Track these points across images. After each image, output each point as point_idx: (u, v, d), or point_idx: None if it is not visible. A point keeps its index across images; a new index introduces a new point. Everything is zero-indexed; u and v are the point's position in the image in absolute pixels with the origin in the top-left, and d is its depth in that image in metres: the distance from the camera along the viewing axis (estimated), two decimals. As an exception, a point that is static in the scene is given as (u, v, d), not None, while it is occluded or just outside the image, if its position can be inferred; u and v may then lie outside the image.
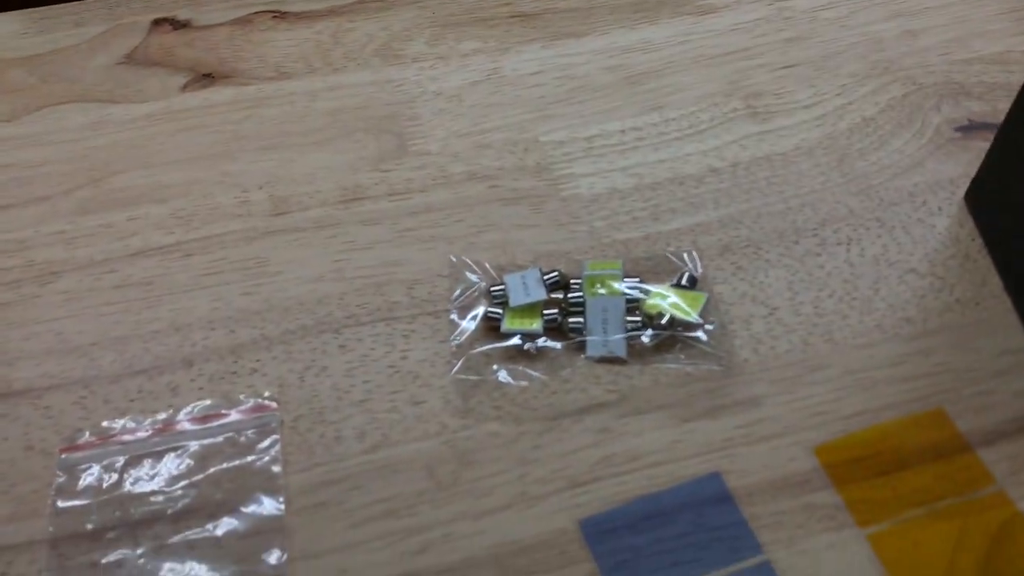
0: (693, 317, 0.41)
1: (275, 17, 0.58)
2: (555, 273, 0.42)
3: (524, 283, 0.42)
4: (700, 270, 0.43)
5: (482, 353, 0.41)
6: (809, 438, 0.38)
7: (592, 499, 0.36)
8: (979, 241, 0.45)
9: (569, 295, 0.42)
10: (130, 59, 0.56)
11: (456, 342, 0.41)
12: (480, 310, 0.42)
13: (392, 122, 0.52)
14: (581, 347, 0.41)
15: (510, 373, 0.40)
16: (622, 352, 0.40)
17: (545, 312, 0.41)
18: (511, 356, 0.41)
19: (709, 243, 0.45)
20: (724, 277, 0.44)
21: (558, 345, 0.41)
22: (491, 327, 0.41)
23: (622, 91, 0.53)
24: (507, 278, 0.42)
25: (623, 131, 0.51)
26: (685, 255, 0.44)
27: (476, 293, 0.43)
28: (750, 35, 0.56)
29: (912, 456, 0.37)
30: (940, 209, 0.47)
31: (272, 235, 0.46)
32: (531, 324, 0.41)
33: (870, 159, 0.49)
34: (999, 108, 0.51)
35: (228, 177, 0.49)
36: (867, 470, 0.37)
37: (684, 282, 0.42)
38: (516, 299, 0.41)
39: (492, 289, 0.42)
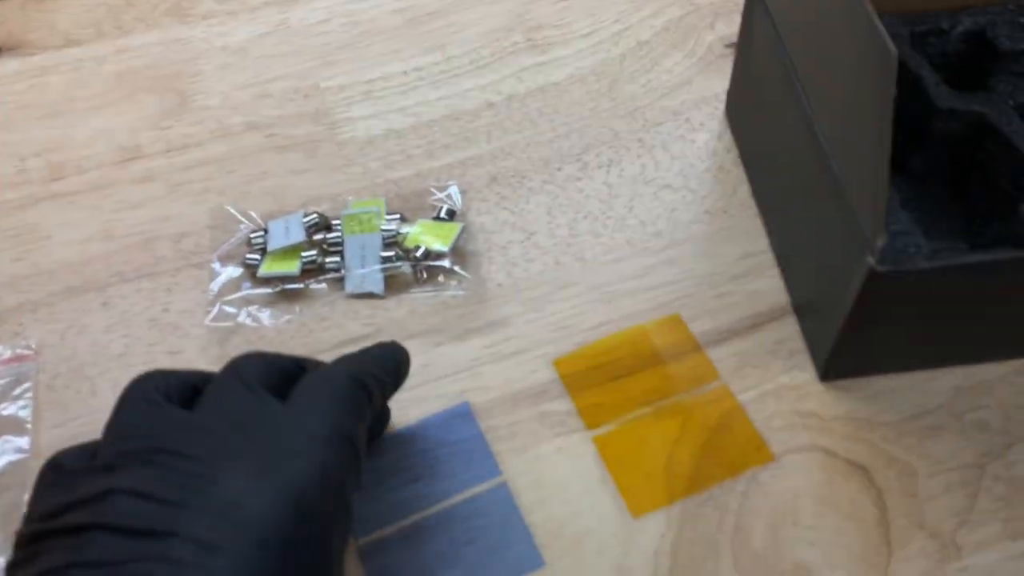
0: (445, 248, 0.42)
1: (65, -17, 0.58)
2: (314, 215, 0.43)
3: (287, 228, 0.43)
4: (460, 203, 0.44)
5: (242, 298, 0.41)
6: (550, 352, 0.40)
7: (339, 427, 0.38)
8: (735, 152, 0.47)
9: (329, 235, 0.43)
10: (-84, 37, 0.55)
11: (214, 291, 0.42)
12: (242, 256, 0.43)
13: (176, 80, 0.52)
14: (342, 286, 0.42)
15: (268, 316, 0.41)
16: (378, 287, 0.41)
17: (304, 254, 0.42)
18: (271, 300, 0.42)
19: (478, 175, 0.46)
20: (488, 207, 0.45)
21: (323, 285, 0.42)
22: (253, 273, 0.42)
23: (407, 33, 0.54)
24: (271, 224, 0.43)
25: (405, 72, 0.52)
26: (450, 189, 0.45)
27: (240, 242, 0.43)
28: (534, -32, 0.56)
29: (644, 360, 0.39)
30: (702, 124, 0.48)
31: (46, 201, 0.46)
32: (289, 267, 0.42)
33: (640, 82, 0.50)
34: (770, 23, 0.53)
35: (6, 147, 0.49)
36: (600, 377, 0.39)
37: (443, 215, 0.44)
38: (275, 243, 0.42)
39: (252, 236, 0.43)
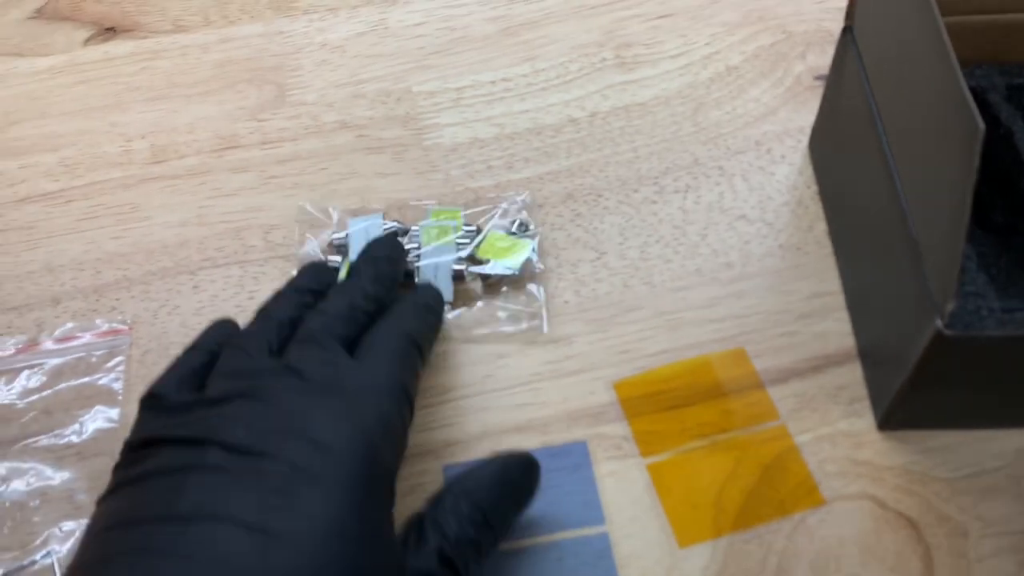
0: (516, 262, 0.43)
1: (178, -30, 0.60)
2: (394, 223, 0.45)
3: (367, 234, 0.45)
4: (535, 218, 0.45)
5: (322, 294, 0.43)
6: (611, 374, 0.40)
7: (403, 428, 0.40)
8: (815, 188, 0.47)
9: (406, 243, 0.44)
10: (40, 14, 0.59)
11: (297, 284, 0.44)
12: (324, 257, 0.45)
13: (275, 73, 0.54)
14: (417, 289, 0.44)
15: (346, 313, 0.43)
16: (448, 296, 0.43)
17: (383, 256, 0.44)
18: (350, 297, 0.44)
19: (555, 191, 0.47)
20: (562, 223, 0.46)
21: (399, 287, 0.44)
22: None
23: (499, 42, 0.55)
24: (351, 229, 0.45)
25: (493, 82, 0.53)
26: (526, 203, 0.46)
27: (325, 240, 0.45)
28: (629, -16, 0.57)
29: (705, 392, 0.40)
30: (783, 157, 0.48)
31: (148, 182, 0.49)
32: (369, 267, 0.44)
33: (724, 108, 0.50)
34: (863, 56, 0.52)
35: (116, 127, 0.52)
36: (659, 404, 0.39)
37: (515, 229, 0.45)
38: (356, 248, 0.44)
39: (334, 237, 0.45)
